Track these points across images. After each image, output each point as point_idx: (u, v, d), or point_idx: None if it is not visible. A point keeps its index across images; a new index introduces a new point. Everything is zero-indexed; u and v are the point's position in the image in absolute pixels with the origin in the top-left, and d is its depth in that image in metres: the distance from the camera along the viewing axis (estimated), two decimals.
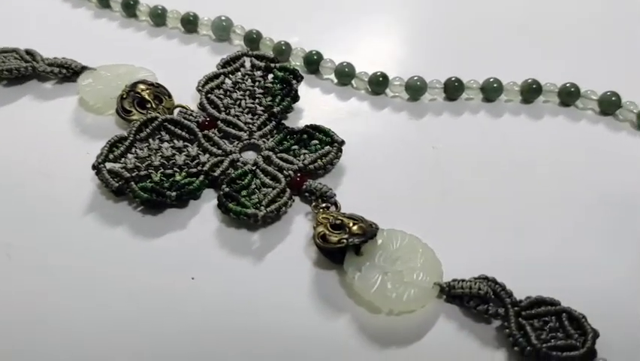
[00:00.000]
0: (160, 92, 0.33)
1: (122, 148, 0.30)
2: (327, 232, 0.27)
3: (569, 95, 0.35)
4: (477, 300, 0.26)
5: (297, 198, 0.30)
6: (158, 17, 0.39)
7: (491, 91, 0.35)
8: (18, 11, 0.40)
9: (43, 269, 0.27)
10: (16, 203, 0.29)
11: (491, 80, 0.35)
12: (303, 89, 0.35)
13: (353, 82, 0.36)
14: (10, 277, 0.26)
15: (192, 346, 0.24)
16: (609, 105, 0.34)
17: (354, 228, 0.27)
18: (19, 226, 0.28)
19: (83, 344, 0.24)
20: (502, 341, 0.25)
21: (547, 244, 0.28)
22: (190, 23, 0.38)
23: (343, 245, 0.26)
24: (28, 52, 0.35)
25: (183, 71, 0.35)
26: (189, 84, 0.34)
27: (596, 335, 0.24)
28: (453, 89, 0.35)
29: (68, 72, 0.34)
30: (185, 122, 0.31)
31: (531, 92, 0.35)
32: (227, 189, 0.29)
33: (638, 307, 0.26)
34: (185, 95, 0.34)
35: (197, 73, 0.34)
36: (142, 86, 0.33)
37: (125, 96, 0.32)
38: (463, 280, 0.26)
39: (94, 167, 0.29)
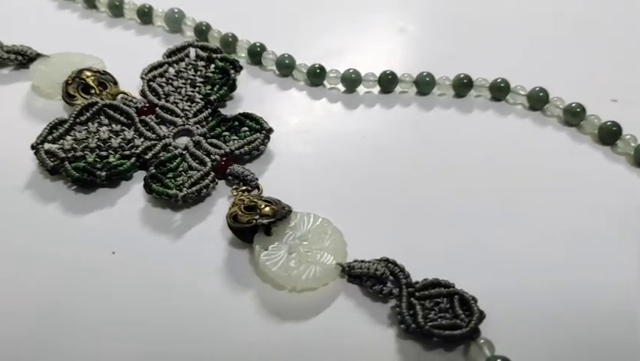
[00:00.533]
0: (105, 79, 0.35)
1: (61, 130, 0.32)
2: (240, 213, 0.28)
3: (499, 90, 0.36)
4: (374, 280, 0.27)
5: (222, 182, 0.31)
6: (116, 8, 0.41)
7: (424, 85, 0.36)
8: None
9: None
10: None
11: (424, 74, 0.36)
12: (244, 79, 0.37)
13: (293, 73, 0.37)
14: None
15: (107, 315, 0.26)
16: (537, 101, 0.35)
17: (266, 209, 0.28)
18: None
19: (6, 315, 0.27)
20: (395, 320, 0.26)
21: (460, 233, 0.30)
22: (145, 15, 0.40)
23: (252, 225, 0.28)
24: None
25: (135, 60, 0.37)
26: (139, 73, 0.36)
27: (482, 315, 0.26)
28: (387, 83, 0.36)
29: (24, 59, 0.37)
30: (124, 107, 0.33)
31: (462, 86, 0.36)
32: (153, 171, 0.31)
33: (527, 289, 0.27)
34: (134, 83, 0.36)
35: (147, 62, 0.36)
36: (87, 73, 0.35)
37: (70, 82, 0.34)
38: (362, 261, 0.27)
39: (32, 147, 0.31)
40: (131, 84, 0.36)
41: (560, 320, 0.26)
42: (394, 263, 0.28)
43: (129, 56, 0.38)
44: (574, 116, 0.34)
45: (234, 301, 0.27)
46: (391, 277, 0.27)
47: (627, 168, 0.33)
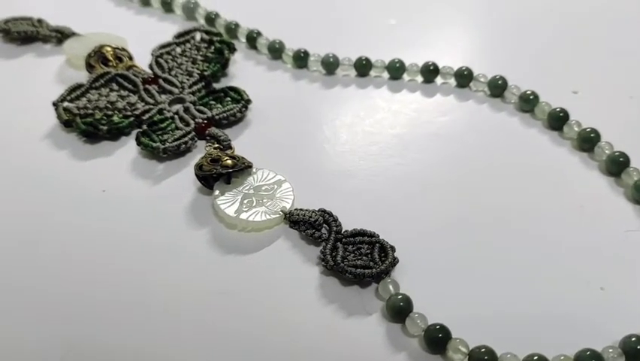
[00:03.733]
0: (122, 54, 0.41)
1: (78, 92, 0.38)
2: (205, 164, 0.34)
3: (462, 77, 0.39)
4: (309, 226, 0.31)
5: (204, 143, 0.37)
6: (144, 0, 0.48)
7: (394, 70, 0.40)
8: None
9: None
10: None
11: (395, 60, 0.40)
12: (240, 61, 0.42)
13: (283, 57, 0.42)
14: None
15: (89, 246, 0.32)
16: (496, 87, 0.38)
17: (227, 162, 0.33)
18: None
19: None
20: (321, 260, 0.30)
21: (405, 210, 0.33)
22: (167, 5, 0.47)
23: (212, 173, 0.33)
24: (38, 20, 0.45)
25: (154, 42, 0.44)
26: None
27: (394, 260, 0.30)
28: (361, 67, 0.40)
29: (63, 36, 0.44)
30: (133, 77, 0.40)
31: (429, 72, 0.39)
32: (145, 128, 0.36)
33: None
34: (148, 60, 0.42)
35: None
36: (107, 48, 0.41)
37: (92, 55, 0.41)
38: (302, 210, 0.32)
39: (54, 104, 0.38)
40: (146, 61, 0.42)
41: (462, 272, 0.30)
42: (330, 214, 0.32)
43: (149, 39, 0.45)
44: (527, 102, 0.37)
45: (192, 235, 0.32)
46: (325, 226, 0.32)
47: (570, 152, 0.35)
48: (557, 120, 0.36)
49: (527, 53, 0.42)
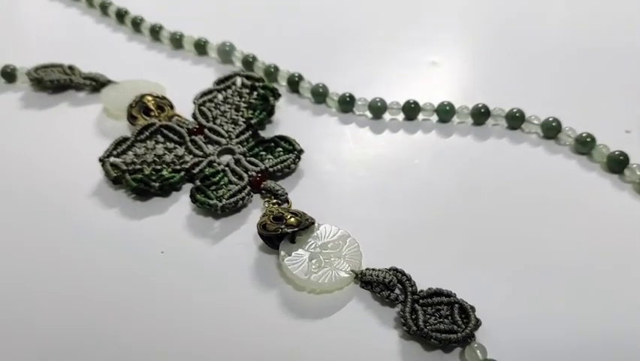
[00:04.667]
0: (163, 103, 0.40)
1: (124, 146, 0.37)
2: (268, 222, 0.33)
3: (514, 119, 0.39)
4: (383, 287, 0.31)
5: (258, 196, 0.36)
6: (177, 42, 0.46)
7: (444, 113, 0.39)
8: (73, 36, 0.50)
9: (51, 239, 0.34)
10: (38, 185, 0.37)
11: (445, 103, 0.39)
12: (283, 105, 0.41)
13: (327, 101, 0.41)
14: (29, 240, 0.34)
15: (151, 307, 0.31)
16: (550, 130, 0.38)
17: (291, 220, 0.32)
18: (38, 202, 0.36)
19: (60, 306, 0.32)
20: (399, 323, 0.30)
21: (468, 248, 0.33)
22: (201, 47, 0.46)
23: (278, 233, 0.32)
24: (69, 67, 0.44)
25: (191, 87, 0.43)
26: (193, 98, 0.41)
27: (478, 323, 0.29)
28: (410, 110, 0.40)
29: (97, 84, 0.43)
30: (177, 128, 0.38)
31: (480, 115, 0.39)
32: (198, 184, 0.35)
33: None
34: (188, 107, 0.41)
35: (200, 89, 0.41)
36: (148, 97, 0.40)
37: (133, 105, 0.40)
38: (374, 269, 0.31)
39: (100, 160, 0.36)
40: (186, 108, 0.41)
41: (556, 341, 0.29)
42: (402, 273, 0.31)
43: (186, 83, 0.44)
44: (584, 145, 0.37)
45: (260, 298, 0.31)
46: (399, 285, 0.31)
47: (633, 196, 0.35)
48: (617, 163, 0.35)
49: (574, 92, 0.42)
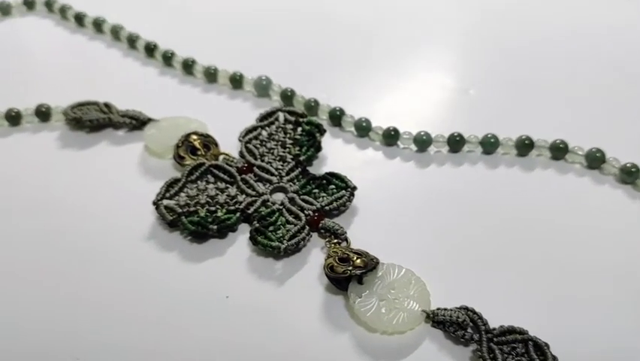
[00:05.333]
0: (208, 141, 0.40)
1: (176, 188, 0.37)
2: (335, 264, 0.33)
3: (558, 151, 0.39)
4: (456, 326, 0.31)
5: (315, 234, 0.36)
6: (211, 76, 0.46)
7: (489, 145, 0.40)
8: (101, 70, 0.49)
9: (110, 287, 0.34)
10: (90, 230, 0.37)
11: (489, 135, 0.40)
12: (327, 139, 0.41)
13: (370, 134, 0.42)
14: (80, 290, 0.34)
15: (220, 355, 0.31)
16: (594, 160, 0.39)
17: (358, 261, 0.33)
18: (92, 249, 0.36)
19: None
20: None
21: (528, 282, 0.33)
22: (236, 81, 0.46)
23: (347, 275, 0.32)
24: (105, 104, 0.43)
25: (229, 121, 0.42)
26: (233, 133, 0.41)
27: (555, 360, 0.29)
28: (455, 143, 0.40)
29: (137, 123, 0.42)
30: (227, 167, 0.38)
31: (524, 146, 0.40)
32: (257, 225, 0.35)
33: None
34: (230, 143, 0.41)
35: (240, 123, 0.41)
36: (194, 137, 0.40)
37: (180, 145, 0.39)
38: (445, 309, 0.31)
39: (154, 203, 0.36)
40: (227, 143, 0.41)
41: None
42: (473, 311, 0.31)
43: (224, 118, 0.44)
44: (629, 175, 0.38)
45: (332, 340, 0.31)
46: (471, 324, 0.31)
47: None
48: None
49: (613, 121, 0.43)
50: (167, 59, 0.47)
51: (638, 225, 0.36)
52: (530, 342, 0.30)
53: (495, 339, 0.30)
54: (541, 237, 0.36)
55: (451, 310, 0.31)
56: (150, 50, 0.48)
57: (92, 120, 0.42)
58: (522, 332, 0.30)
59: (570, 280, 0.33)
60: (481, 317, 0.31)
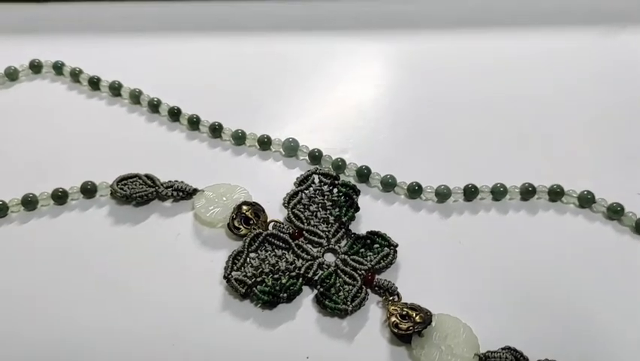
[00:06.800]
0: (257, 209, 0.44)
1: (240, 260, 0.41)
2: (398, 321, 0.38)
3: (556, 194, 0.47)
4: None
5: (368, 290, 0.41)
6: (239, 139, 0.50)
7: (498, 193, 0.47)
8: (123, 136, 0.51)
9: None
10: (159, 306, 0.40)
11: (498, 185, 0.47)
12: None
13: (395, 190, 0.47)
14: None
15: None
16: (586, 201, 0.46)
17: (417, 318, 0.38)
18: (169, 324, 0.39)
19: None
20: None
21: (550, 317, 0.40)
22: (264, 144, 0.49)
23: (411, 332, 0.38)
24: (147, 176, 0.46)
25: (263, 182, 0.47)
26: (270, 193, 0.45)
27: None
28: (470, 193, 0.47)
29: (184, 194, 0.45)
30: (282, 235, 0.43)
31: (528, 193, 0.47)
32: (321, 290, 0.40)
33: None
34: (270, 205, 0.45)
35: (273, 184, 0.46)
36: (245, 207, 0.44)
37: (234, 217, 0.43)
38: (494, 351, 0.38)
39: (225, 277, 0.40)
40: (268, 206, 0.45)
41: None
42: (515, 350, 0.38)
43: (257, 179, 0.48)
44: (615, 213, 0.45)
45: None
46: None
47: None
48: None
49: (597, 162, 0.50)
50: (193, 123, 0.50)
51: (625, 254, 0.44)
52: None
53: None
54: (552, 270, 0.43)
55: (499, 351, 0.38)
56: (174, 114, 0.51)
57: (142, 196, 0.45)
58: None
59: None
60: (522, 355, 0.38)
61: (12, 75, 0.54)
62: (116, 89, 0.53)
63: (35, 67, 0.55)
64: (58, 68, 0.55)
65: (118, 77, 0.54)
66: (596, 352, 0.39)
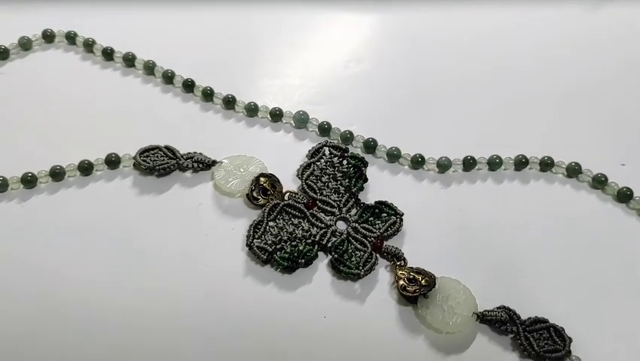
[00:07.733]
0: (273, 181, 0.47)
1: (261, 229, 0.45)
2: (406, 284, 0.43)
3: (546, 165, 0.51)
4: (500, 323, 0.42)
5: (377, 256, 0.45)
6: (252, 111, 0.52)
7: (494, 164, 0.50)
8: (145, 113, 0.53)
9: (221, 328, 0.42)
10: (186, 273, 0.44)
11: (494, 156, 0.50)
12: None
13: (400, 161, 0.51)
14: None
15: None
16: (573, 171, 0.50)
17: (423, 281, 0.43)
18: (197, 288, 0.43)
19: None
20: (514, 347, 0.42)
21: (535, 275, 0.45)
22: (276, 115, 0.52)
23: (418, 294, 0.42)
24: (167, 148, 0.49)
25: (275, 153, 0.50)
26: (282, 163, 0.49)
27: (570, 340, 0.41)
28: (469, 164, 0.50)
29: (203, 165, 0.48)
30: (297, 205, 0.46)
31: (521, 164, 0.51)
32: (335, 256, 0.44)
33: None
34: (283, 174, 0.48)
35: (284, 155, 0.49)
36: (262, 179, 0.47)
37: (253, 188, 0.46)
38: (490, 311, 0.42)
39: (247, 245, 0.44)
40: (281, 175, 0.48)
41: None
42: (509, 309, 0.43)
43: (270, 150, 0.51)
44: (600, 183, 0.50)
45: (411, 342, 0.42)
46: (509, 319, 0.43)
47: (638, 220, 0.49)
48: (625, 197, 0.49)
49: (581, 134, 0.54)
50: (207, 95, 0.53)
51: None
52: (551, 328, 0.42)
53: (527, 329, 0.42)
54: (541, 241, 0.47)
55: (494, 310, 0.42)
56: (188, 86, 0.53)
57: (165, 168, 0.47)
58: (544, 321, 0.42)
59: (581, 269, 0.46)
60: (515, 313, 0.43)
61: (25, 45, 0.55)
62: (130, 60, 0.55)
63: (48, 37, 0.56)
64: (71, 37, 0.56)
65: (130, 48, 0.55)
66: (581, 310, 0.44)
